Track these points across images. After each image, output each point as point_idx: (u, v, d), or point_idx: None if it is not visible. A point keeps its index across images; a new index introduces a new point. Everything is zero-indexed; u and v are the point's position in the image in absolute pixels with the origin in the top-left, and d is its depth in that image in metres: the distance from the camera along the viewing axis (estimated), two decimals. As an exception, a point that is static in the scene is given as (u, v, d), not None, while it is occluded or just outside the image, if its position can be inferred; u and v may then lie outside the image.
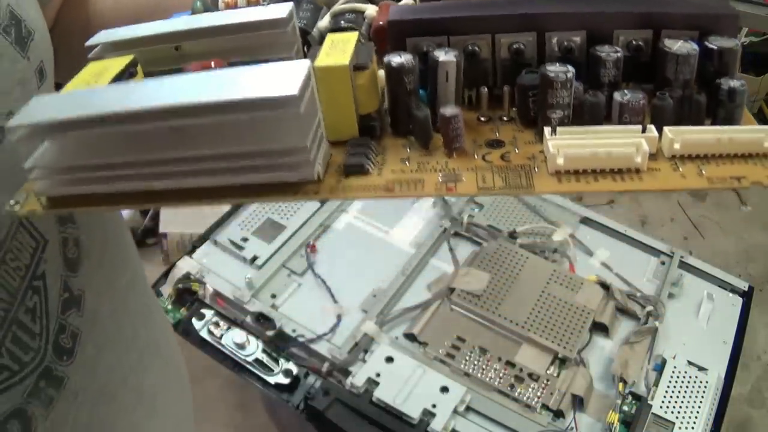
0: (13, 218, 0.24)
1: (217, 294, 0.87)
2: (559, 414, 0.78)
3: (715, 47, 0.23)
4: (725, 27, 0.23)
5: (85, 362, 0.34)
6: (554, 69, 0.23)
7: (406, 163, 0.24)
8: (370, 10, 0.28)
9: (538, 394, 0.79)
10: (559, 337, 0.84)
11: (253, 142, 0.21)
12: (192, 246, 0.94)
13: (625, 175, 0.22)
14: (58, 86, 0.36)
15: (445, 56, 0.23)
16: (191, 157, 0.22)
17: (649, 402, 0.79)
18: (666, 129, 0.23)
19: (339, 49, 0.23)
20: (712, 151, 0.22)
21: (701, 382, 0.81)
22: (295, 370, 0.81)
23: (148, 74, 0.27)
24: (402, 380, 0.79)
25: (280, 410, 1.09)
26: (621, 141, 0.22)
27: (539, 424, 0.77)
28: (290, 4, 0.26)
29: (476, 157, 0.24)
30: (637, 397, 0.80)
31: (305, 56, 0.27)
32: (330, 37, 0.24)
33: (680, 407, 0.79)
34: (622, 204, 2.01)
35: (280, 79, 0.21)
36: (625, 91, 0.23)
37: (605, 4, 0.24)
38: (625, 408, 0.79)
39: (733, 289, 0.97)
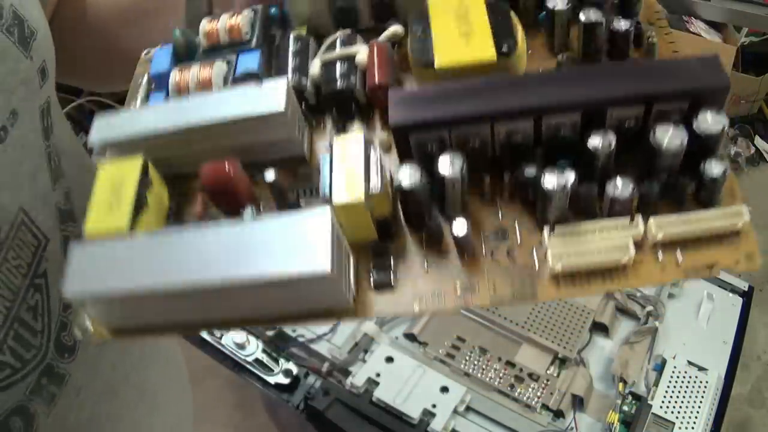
0: (88, 340, 0.25)
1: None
2: (559, 414, 0.78)
3: (702, 135, 0.23)
4: (716, 99, 0.23)
5: (86, 360, 0.34)
6: (553, 181, 0.23)
7: (425, 267, 0.24)
8: (361, 54, 0.27)
9: (538, 394, 0.79)
10: (559, 337, 0.84)
11: (292, 301, 0.23)
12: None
13: (614, 274, 0.23)
14: (58, 86, 0.36)
15: (450, 171, 0.23)
16: (234, 314, 0.24)
17: (649, 402, 0.79)
18: (651, 221, 0.23)
19: (352, 180, 0.23)
20: (691, 237, 0.24)
21: (701, 382, 0.81)
22: (295, 370, 0.81)
23: (162, 173, 0.26)
24: (402, 380, 0.79)
25: (280, 410, 1.09)
26: (611, 244, 0.23)
27: (539, 424, 0.77)
28: (284, 88, 0.25)
29: (485, 254, 0.24)
30: (637, 397, 0.80)
31: (307, 126, 0.27)
32: (342, 166, 0.24)
33: (680, 407, 0.79)
34: (622, 204, 2.01)
35: (310, 252, 0.21)
36: (617, 183, 0.23)
37: (599, 85, 0.24)
38: (625, 408, 0.79)
39: (733, 289, 0.97)
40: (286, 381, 0.80)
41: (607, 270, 0.23)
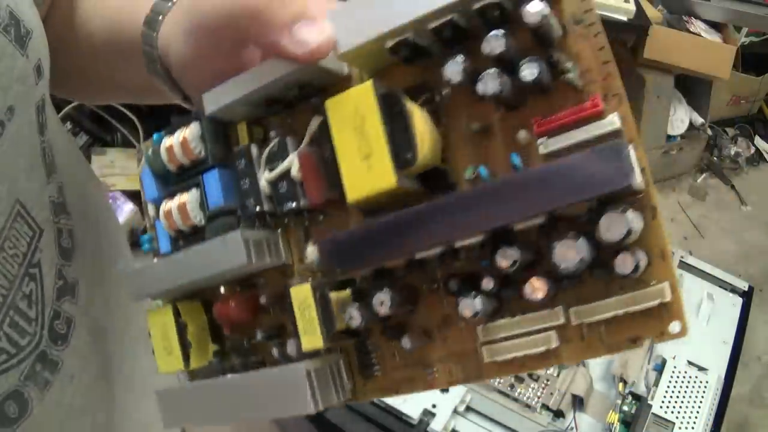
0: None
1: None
2: (559, 414, 0.78)
3: (603, 239, 0.22)
4: (622, 197, 0.23)
5: (79, 348, 0.35)
6: (469, 304, 0.24)
7: (396, 358, 0.28)
8: (294, 168, 0.28)
9: (538, 394, 0.79)
10: (559, 337, 0.84)
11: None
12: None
13: (544, 356, 0.25)
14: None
15: (382, 309, 0.26)
16: None
17: (649, 402, 0.79)
18: (572, 311, 0.24)
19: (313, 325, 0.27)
20: (613, 318, 0.24)
21: (701, 382, 0.81)
22: (295, 370, 0.81)
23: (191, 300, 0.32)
24: (402, 380, 0.79)
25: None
26: (537, 336, 0.25)
27: (539, 424, 0.77)
28: (240, 244, 0.28)
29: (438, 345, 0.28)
30: (637, 397, 0.80)
31: (281, 232, 0.30)
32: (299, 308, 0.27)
33: (680, 407, 0.79)
34: (622, 204, 2.01)
35: (293, 401, 0.27)
36: (534, 284, 0.24)
37: (507, 209, 0.23)
38: (625, 408, 0.79)
39: (733, 289, 0.97)
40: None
41: (537, 355, 0.25)
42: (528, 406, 0.78)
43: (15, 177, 0.31)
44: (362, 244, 0.26)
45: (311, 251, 0.29)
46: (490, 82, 0.23)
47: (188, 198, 0.30)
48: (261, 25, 0.27)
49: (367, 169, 0.25)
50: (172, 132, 0.30)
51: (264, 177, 0.29)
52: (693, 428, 0.77)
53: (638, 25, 1.80)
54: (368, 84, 0.24)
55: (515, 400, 0.79)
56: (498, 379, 0.80)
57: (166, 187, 0.31)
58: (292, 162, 0.28)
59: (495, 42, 0.23)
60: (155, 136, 0.31)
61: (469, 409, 0.78)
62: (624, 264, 0.22)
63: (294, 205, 0.28)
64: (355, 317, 0.26)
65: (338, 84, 0.28)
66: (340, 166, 0.25)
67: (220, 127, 0.30)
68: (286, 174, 0.28)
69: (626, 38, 2.11)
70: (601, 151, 0.21)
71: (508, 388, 0.79)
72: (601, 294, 0.24)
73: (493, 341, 0.25)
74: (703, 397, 0.80)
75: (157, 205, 0.31)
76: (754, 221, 2.05)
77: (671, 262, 0.23)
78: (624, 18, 1.74)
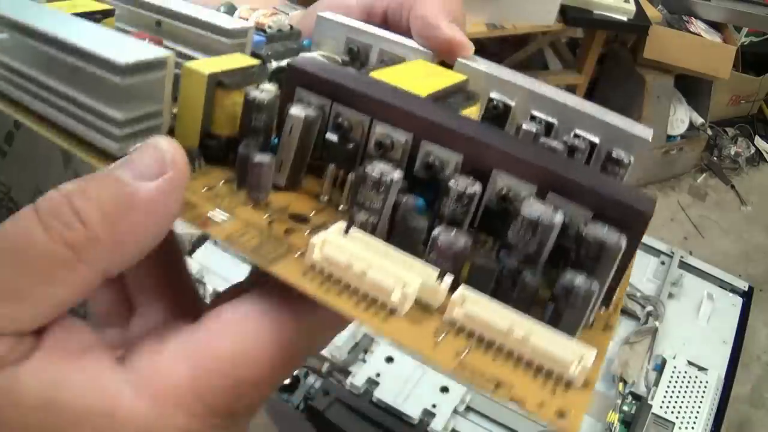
0: None
1: (217, 294, 0.87)
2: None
3: (591, 240, 0.19)
4: (632, 224, 0.20)
5: None
6: (378, 168, 0.21)
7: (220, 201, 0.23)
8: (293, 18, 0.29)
9: (538, 394, 0.79)
10: (559, 337, 0.84)
11: (85, 91, 0.23)
12: (192, 246, 0.94)
13: (375, 308, 0.19)
14: None
15: (296, 111, 0.22)
16: (47, 85, 0.24)
17: (649, 402, 0.79)
18: (461, 289, 0.19)
19: (224, 62, 0.24)
20: (499, 340, 0.19)
21: (701, 382, 0.81)
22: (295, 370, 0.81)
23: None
24: (402, 380, 0.79)
25: (280, 410, 1.09)
26: (394, 273, 0.19)
27: (539, 424, 0.77)
28: (246, 24, 0.27)
29: (265, 216, 0.22)
30: (637, 397, 0.80)
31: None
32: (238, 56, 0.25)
33: (680, 407, 0.79)
34: (622, 204, 2.01)
35: (129, 50, 0.22)
36: (447, 228, 0.20)
37: (501, 138, 0.22)
38: (625, 408, 0.79)
39: (733, 289, 0.97)
40: (286, 381, 0.80)
41: (373, 300, 0.19)
42: (528, 406, 0.78)
43: (35, 166, 0.32)
44: (341, 77, 0.23)
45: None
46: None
47: None
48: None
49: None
50: None
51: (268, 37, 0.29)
52: (693, 428, 0.77)
53: (638, 25, 1.80)
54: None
55: (515, 400, 0.79)
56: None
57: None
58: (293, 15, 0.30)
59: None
60: None
61: (469, 409, 0.78)
62: (572, 278, 0.19)
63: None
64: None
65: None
66: None
67: None
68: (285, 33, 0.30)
69: (626, 38, 2.11)
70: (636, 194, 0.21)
71: (508, 388, 0.79)
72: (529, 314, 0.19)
73: (332, 242, 0.20)
74: (703, 397, 0.80)
75: None
76: (754, 221, 2.05)
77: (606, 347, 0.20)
78: (624, 18, 1.74)
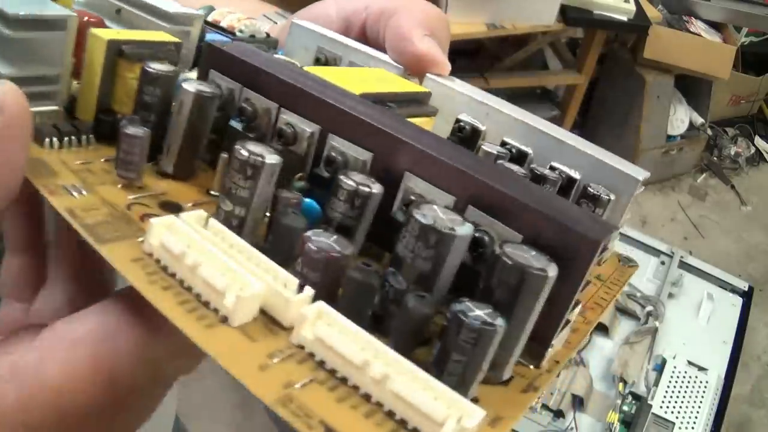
0: None
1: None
2: (559, 414, 0.78)
3: (507, 263, 0.15)
4: (574, 253, 0.16)
5: None
6: (248, 148, 0.17)
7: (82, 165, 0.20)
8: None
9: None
10: (559, 337, 0.84)
11: None
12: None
13: (202, 312, 0.15)
14: None
15: (188, 86, 0.19)
16: None
17: (649, 402, 0.79)
18: (318, 305, 0.15)
19: (136, 35, 0.22)
20: (354, 378, 0.15)
21: (701, 382, 0.81)
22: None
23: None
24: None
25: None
26: (234, 274, 0.16)
27: (539, 424, 0.77)
28: (191, 11, 0.25)
29: (130, 197, 0.19)
30: (637, 397, 0.80)
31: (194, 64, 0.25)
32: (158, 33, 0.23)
33: (680, 407, 0.79)
34: (622, 204, 2.01)
35: (30, 4, 0.20)
36: (326, 231, 0.16)
37: (423, 137, 0.18)
38: (625, 408, 0.79)
39: (733, 289, 0.97)
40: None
41: (205, 303, 0.16)
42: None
43: None
44: (257, 60, 0.21)
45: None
46: None
47: None
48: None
49: None
50: None
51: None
52: (693, 428, 0.77)
53: (638, 25, 1.80)
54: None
55: (515, 400, 0.79)
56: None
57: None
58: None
59: None
60: None
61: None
62: (411, 301, 0.15)
63: None
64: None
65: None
66: None
67: None
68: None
69: (626, 38, 2.11)
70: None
71: (508, 388, 0.79)
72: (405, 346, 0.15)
73: (158, 230, 0.16)
74: (703, 397, 0.80)
75: None
76: (754, 221, 2.05)
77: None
78: (624, 18, 1.74)
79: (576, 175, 0.23)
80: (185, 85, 0.19)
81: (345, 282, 0.16)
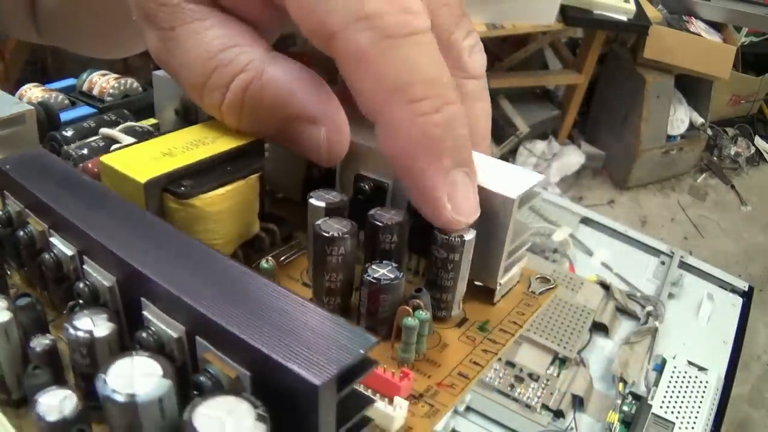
0: None
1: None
2: (559, 414, 0.78)
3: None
4: (299, 400, 0.13)
5: None
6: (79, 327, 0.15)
7: None
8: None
9: (538, 394, 0.79)
10: (559, 337, 0.84)
11: None
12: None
13: None
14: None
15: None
16: None
17: (649, 402, 0.79)
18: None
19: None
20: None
21: (701, 382, 0.81)
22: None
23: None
24: (402, 380, 0.79)
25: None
26: None
27: (539, 424, 0.77)
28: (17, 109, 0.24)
29: None
30: (637, 397, 0.80)
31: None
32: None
33: (680, 407, 0.79)
34: (622, 204, 2.01)
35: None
36: (60, 386, 0.14)
37: (160, 249, 0.17)
38: (625, 408, 0.79)
39: (733, 289, 0.97)
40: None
41: None
42: (528, 406, 0.78)
43: None
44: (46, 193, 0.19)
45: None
46: None
47: None
48: None
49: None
50: None
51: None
52: (693, 428, 0.77)
53: (638, 25, 1.80)
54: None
55: (515, 400, 0.79)
56: (498, 379, 0.80)
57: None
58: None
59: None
60: None
61: (469, 409, 0.78)
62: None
63: None
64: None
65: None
66: None
67: None
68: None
69: (626, 38, 2.11)
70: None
71: (508, 388, 0.79)
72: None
73: None
74: (703, 397, 0.80)
75: None
76: (754, 221, 2.05)
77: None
78: (624, 18, 1.74)
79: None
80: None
81: None
